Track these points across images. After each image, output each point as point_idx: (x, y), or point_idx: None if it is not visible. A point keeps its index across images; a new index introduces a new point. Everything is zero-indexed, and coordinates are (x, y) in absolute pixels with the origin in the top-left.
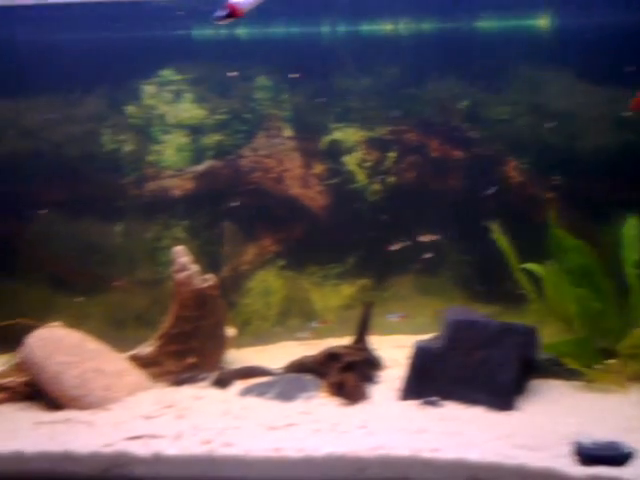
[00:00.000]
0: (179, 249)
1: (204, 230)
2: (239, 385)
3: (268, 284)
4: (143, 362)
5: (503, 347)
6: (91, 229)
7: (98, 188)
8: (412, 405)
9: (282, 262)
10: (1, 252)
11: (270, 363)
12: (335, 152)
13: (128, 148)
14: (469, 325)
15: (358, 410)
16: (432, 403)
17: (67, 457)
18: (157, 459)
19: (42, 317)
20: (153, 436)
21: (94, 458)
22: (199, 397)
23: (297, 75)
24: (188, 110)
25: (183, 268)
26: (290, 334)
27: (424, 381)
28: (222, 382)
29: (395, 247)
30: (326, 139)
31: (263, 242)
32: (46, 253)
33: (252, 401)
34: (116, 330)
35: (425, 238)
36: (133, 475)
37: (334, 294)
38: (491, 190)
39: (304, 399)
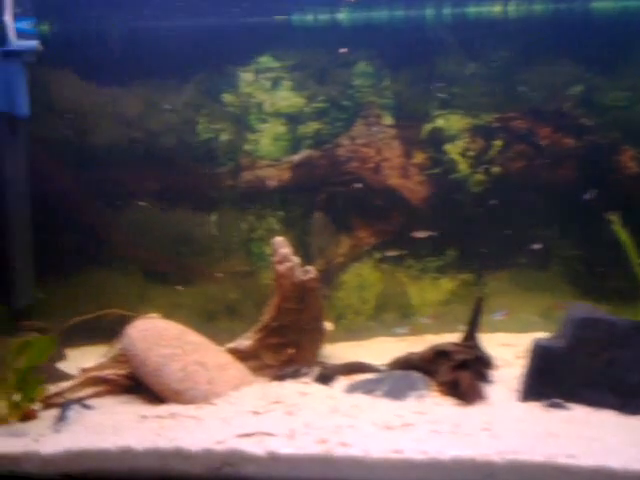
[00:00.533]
0: (280, 240)
1: (299, 221)
2: (343, 381)
3: (363, 277)
4: (242, 355)
5: (633, 347)
6: (185, 219)
7: (193, 178)
8: (535, 407)
9: (378, 255)
10: (96, 242)
11: (369, 359)
12: (437, 140)
13: (224, 137)
14: (595, 323)
15: (477, 411)
16: (557, 405)
17: (178, 454)
18: (272, 458)
19: (135, 308)
20: (265, 433)
21: (206, 455)
22: (305, 393)
23: (346, 50)
24: (286, 98)
25: (284, 259)
26: (385, 329)
27: (546, 382)
28: (325, 378)
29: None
30: (428, 127)
31: (359, 234)
32: (140, 243)
33: (360, 398)
34: (207, 322)
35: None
36: (246, 474)
37: (432, 288)
38: (590, 194)
39: (415, 398)
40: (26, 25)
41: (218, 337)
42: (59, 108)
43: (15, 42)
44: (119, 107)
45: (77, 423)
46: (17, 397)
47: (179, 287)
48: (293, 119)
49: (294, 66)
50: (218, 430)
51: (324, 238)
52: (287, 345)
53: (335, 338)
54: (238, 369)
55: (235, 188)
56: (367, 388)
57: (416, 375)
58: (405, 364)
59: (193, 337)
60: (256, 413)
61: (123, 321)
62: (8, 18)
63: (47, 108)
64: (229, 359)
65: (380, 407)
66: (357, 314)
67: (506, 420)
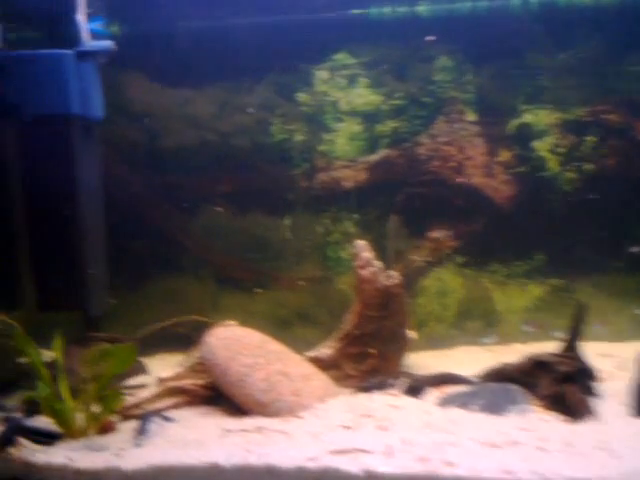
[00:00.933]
0: (362, 243)
1: (376, 224)
2: (433, 393)
3: (445, 283)
4: (322, 365)
5: None
6: (258, 223)
7: (267, 180)
8: None
9: (461, 259)
10: (168, 247)
11: (456, 369)
12: (524, 137)
13: (298, 138)
14: None
15: (588, 428)
16: None
17: (269, 472)
18: (370, 477)
19: (208, 314)
20: (360, 450)
21: (299, 474)
22: (395, 406)
23: (433, 38)
24: (363, 96)
25: (367, 264)
26: (469, 337)
27: None
28: (415, 390)
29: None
30: (514, 123)
31: (439, 237)
32: (212, 248)
33: (456, 413)
34: (281, 330)
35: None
36: None
37: (519, 295)
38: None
39: (517, 413)
40: (97, 25)
41: (292, 345)
42: (130, 111)
43: (89, 43)
44: (191, 109)
45: (158, 437)
46: (96, 409)
47: (258, 290)
48: (370, 118)
49: (371, 62)
50: (309, 446)
51: (402, 241)
52: (369, 354)
53: (417, 347)
54: (322, 380)
55: (310, 190)
56: (461, 401)
57: (514, 388)
58: (500, 376)
59: (274, 346)
60: (347, 427)
61: (198, 329)
62: (81, 18)
63: (118, 111)
64: (312, 369)
65: (479, 422)
66: (439, 321)
67: (623, 438)
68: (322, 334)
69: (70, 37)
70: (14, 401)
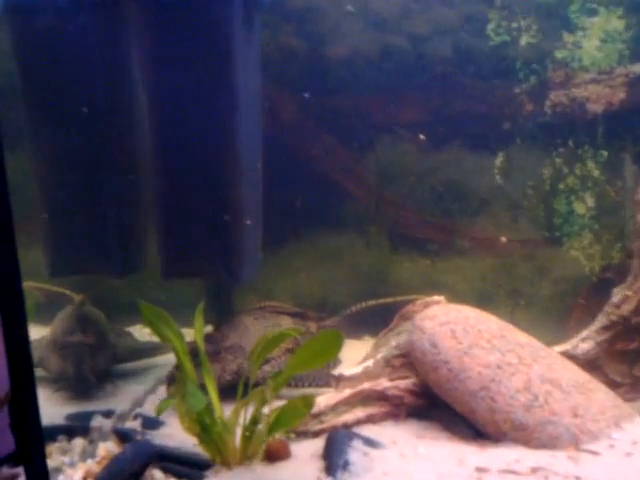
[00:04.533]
0: None
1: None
2: None
3: None
4: (577, 364)
5: None
6: (457, 161)
7: (473, 101)
8: None
9: None
10: (325, 193)
11: None
12: None
13: (526, 40)
14: None
15: None
16: None
17: None
18: None
19: (377, 287)
20: None
21: None
22: None
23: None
24: None
25: None
26: None
27: None
28: None
29: None
30: None
31: None
32: (391, 197)
33: None
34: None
35: None
36: None
37: None
38: None
39: None
40: None
41: None
42: (290, 4)
43: None
44: (371, 1)
45: (368, 473)
46: (261, 425)
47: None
48: (639, 8)
49: None
50: None
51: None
52: None
53: None
54: (605, 391)
55: (536, 116)
56: None
57: None
58: None
59: (521, 336)
60: None
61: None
62: None
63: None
64: (585, 374)
65: None
66: None
67: None
68: (538, 317)
69: None
70: (121, 400)
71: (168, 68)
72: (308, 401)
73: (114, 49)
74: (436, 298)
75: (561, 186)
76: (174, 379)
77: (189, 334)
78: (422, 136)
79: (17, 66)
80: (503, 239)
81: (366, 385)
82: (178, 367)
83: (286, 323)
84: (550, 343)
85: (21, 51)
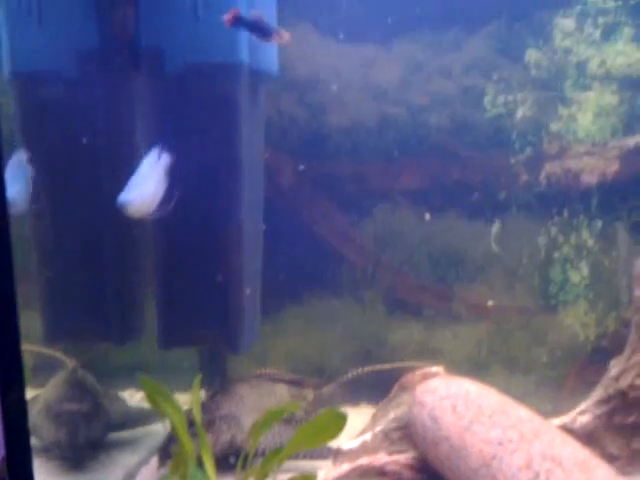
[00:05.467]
0: None
1: (631, 235)
2: None
3: None
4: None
5: None
6: (454, 229)
7: (470, 171)
8: None
9: None
10: (321, 258)
11: None
12: None
13: (522, 113)
14: None
15: None
16: None
17: None
18: None
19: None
20: None
21: None
22: None
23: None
24: (624, 53)
25: None
26: None
27: None
28: None
29: None
30: None
31: None
32: (387, 262)
33: None
34: (475, 377)
35: None
36: None
37: None
38: None
39: None
40: None
41: None
42: (287, 73)
43: None
44: (371, 72)
45: None
46: None
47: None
48: (632, 84)
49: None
50: None
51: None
52: None
53: None
54: (605, 469)
55: (532, 186)
56: None
57: None
58: None
59: (521, 411)
60: None
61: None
62: None
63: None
64: (584, 450)
65: None
66: None
67: None
68: (538, 386)
69: None
70: (114, 471)
71: (172, 140)
72: None
73: (119, 119)
74: (435, 370)
75: (556, 255)
76: (168, 452)
77: (181, 399)
78: (428, 215)
79: (20, 132)
80: (490, 303)
81: (365, 460)
82: (173, 439)
83: (282, 391)
84: (546, 411)
85: (25, 118)
